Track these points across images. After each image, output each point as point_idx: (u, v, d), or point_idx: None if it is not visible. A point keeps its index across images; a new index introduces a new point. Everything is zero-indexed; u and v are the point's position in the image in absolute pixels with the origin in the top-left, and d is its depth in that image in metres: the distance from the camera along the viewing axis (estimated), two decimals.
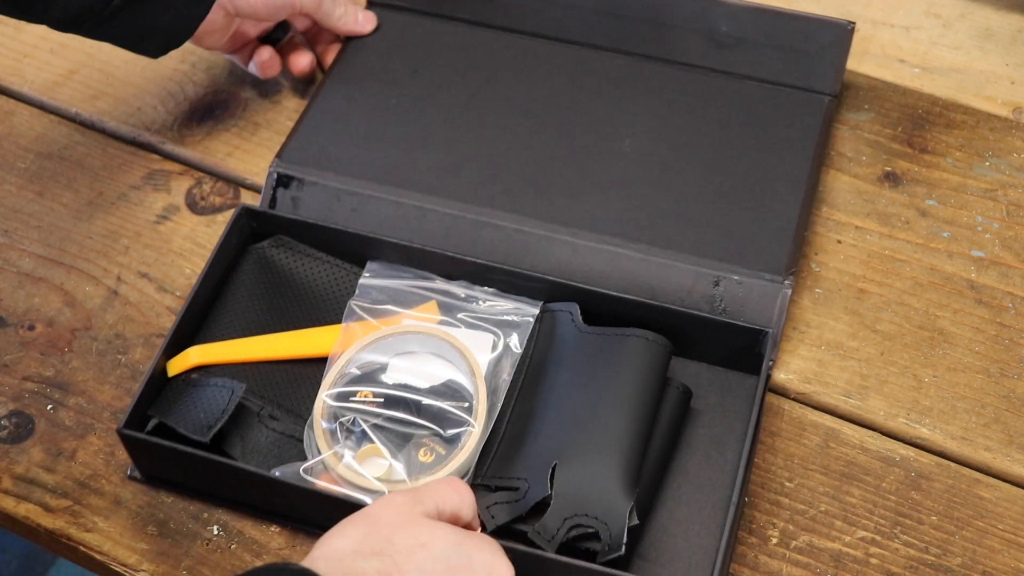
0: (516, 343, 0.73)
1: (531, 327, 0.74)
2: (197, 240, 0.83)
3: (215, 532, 0.70)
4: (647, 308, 0.73)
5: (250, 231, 0.78)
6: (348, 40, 0.91)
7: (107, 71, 0.94)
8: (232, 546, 0.69)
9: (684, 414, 0.72)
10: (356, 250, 0.78)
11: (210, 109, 0.91)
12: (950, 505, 0.71)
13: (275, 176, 0.83)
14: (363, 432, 0.69)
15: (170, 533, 0.70)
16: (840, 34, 0.87)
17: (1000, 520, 0.70)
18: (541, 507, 0.66)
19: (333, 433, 0.69)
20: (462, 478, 0.68)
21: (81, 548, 0.70)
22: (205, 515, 0.71)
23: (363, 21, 0.90)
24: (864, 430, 0.74)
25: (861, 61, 0.93)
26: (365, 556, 0.56)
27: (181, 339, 0.73)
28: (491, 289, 0.76)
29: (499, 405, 0.71)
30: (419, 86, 0.88)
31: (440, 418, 0.70)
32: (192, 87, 0.93)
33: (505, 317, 0.74)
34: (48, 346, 0.78)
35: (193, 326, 0.74)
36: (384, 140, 0.85)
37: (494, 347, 0.73)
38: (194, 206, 0.85)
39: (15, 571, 1.27)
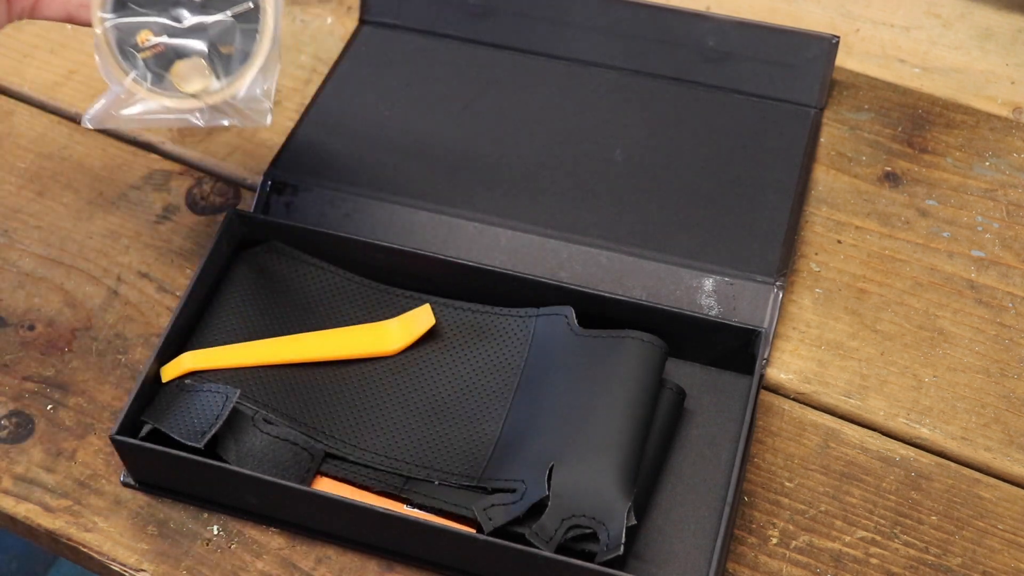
0: None
1: (528, 333, 0.74)
2: (197, 240, 0.83)
3: (215, 532, 0.70)
4: (640, 309, 0.73)
5: (241, 236, 0.78)
6: (342, 55, 0.92)
7: None
8: (232, 546, 0.69)
9: (678, 415, 0.72)
10: (348, 254, 0.78)
11: None
12: (950, 505, 0.71)
13: (269, 183, 0.83)
14: (155, 62, 0.64)
15: (170, 533, 0.70)
16: (825, 48, 0.87)
17: (1000, 520, 0.70)
18: (538, 508, 0.66)
19: (125, 56, 0.64)
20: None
21: (81, 548, 0.70)
22: (205, 515, 0.71)
23: None
24: (864, 430, 0.74)
25: (861, 61, 0.93)
26: None
27: (173, 345, 0.73)
28: None
29: None
30: (412, 98, 0.88)
31: (226, 25, 0.65)
32: None
33: None
34: (48, 346, 0.78)
35: (185, 332, 0.74)
36: (378, 149, 0.85)
37: None
38: (194, 206, 0.85)
39: (15, 571, 1.27)
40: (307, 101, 0.90)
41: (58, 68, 0.94)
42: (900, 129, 0.89)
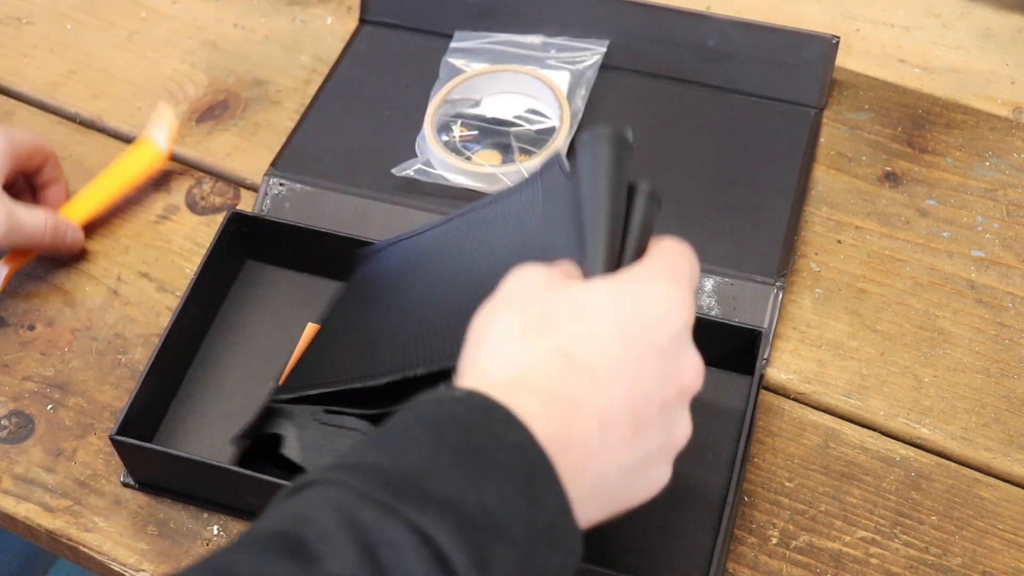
0: (591, 75, 0.87)
1: (535, 203, 0.64)
2: (197, 240, 0.83)
3: (215, 532, 0.70)
4: None
5: (242, 236, 0.78)
6: (342, 55, 0.92)
7: (107, 71, 0.94)
8: None
9: (653, 219, 0.61)
10: (348, 254, 0.77)
11: (210, 109, 0.91)
12: (950, 505, 0.71)
13: (269, 183, 0.83)
14: (465, 147, 0.84)
15: (170, 533, 0.70)
16: (825, 48, 0.87)
17: (1000, 520, 0.70)
18: None
19: (444, 144, 0.83)
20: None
21: (81, 548, 0.70)
22: (205, 515, 0.71)
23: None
24: (864, 430, 0.74)
25: (862, 61, 0.93)
26: (531, 339, 0.49)
27: (173, 345, 0.73)
28: (563, 37, 0.89)
29: (579, 117, 0.83)
30: (412, 98, 0.88)
31: (528, 134, 0.84)
32: (192, 87, 0.93)
33: (577, 57, 0.89)
34: (48, 346, 0.78)
35: (185, 332, 0.74)
36: (378, 150, 0.85)
37: (571, 76, 0.87)
38: (194, 206, 0.85)
39: (15, 571, 1.26)
40: (307, 101, 0.90)
41: (58, 68, 0.94)
42: (900, 129, 0.89)
